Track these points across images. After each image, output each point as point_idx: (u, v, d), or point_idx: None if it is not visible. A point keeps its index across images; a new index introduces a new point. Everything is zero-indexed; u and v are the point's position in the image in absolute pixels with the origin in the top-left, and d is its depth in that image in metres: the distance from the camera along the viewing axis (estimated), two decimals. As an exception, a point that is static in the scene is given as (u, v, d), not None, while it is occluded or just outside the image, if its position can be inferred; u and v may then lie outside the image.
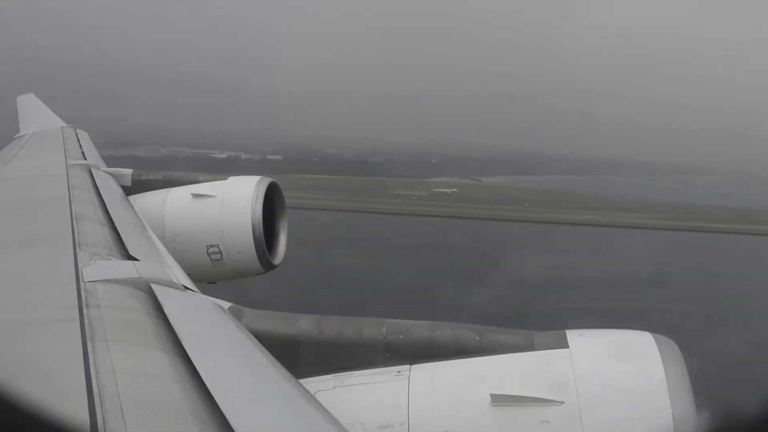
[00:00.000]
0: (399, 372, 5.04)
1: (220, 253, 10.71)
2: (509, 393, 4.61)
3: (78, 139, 16.58)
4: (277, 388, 3.66)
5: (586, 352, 4.85)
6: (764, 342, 51.53)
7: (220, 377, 3.40)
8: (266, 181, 11.31)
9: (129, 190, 11.56)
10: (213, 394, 3.08)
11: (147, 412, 2.96)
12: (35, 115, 22.16)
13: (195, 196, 11.06)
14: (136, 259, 5.67)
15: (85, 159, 12.89)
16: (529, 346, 5.02)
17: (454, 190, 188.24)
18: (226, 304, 5.40)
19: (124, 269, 5.10)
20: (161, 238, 8.67)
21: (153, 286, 4.74)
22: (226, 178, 11.56)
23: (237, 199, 10.92)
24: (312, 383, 4.93)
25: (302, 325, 5.39)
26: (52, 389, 2.93)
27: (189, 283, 5.55)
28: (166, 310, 4.22)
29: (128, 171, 12.29)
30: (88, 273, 4.84)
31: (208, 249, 10.69)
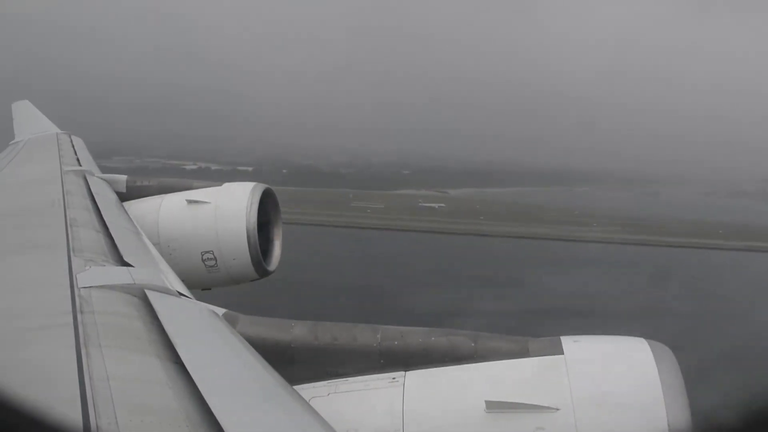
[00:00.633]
0: (394, 378, 5.03)
1: (215, 259, 10.69)
2: (504, 399, 4.61)
3: (73, 146, 16.55)
4: (271, 394, 3.66)
5: (581, 358, 4.86)
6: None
7: (215, 383, 3.39)
8: (261, 188, 11.30)
9: (124, 196, 11.53)
10: (207, 400, 3.08)
11: (141, 417, 2.95)
12: (30, 121, 22.24)
13: (190, 202, 11.04)
14: (130, 265, 5.67)
15: (80, 165, 12.89)
16: (524, 353, 5.01)
17: (442, 205, 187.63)
18: (221, 311, 5.37)
19: (119, 275, 5.09)
20: (156, 245, 8.64)
21: (147, 292, 4.74)
22: (221, 185, 11.54)
23: (232, 205, 10.90)
24: (306, 389, 4.93)
25: (297, 331, 5.37)
26: (47, 394, 2.92)
27: (183, 290, 5.53)
28: (161, 317, 4.22)
29: (123, 177, 12.30)
30: (83, 279, 4.84)
31: (202, 255, 10.66)
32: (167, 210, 11.10)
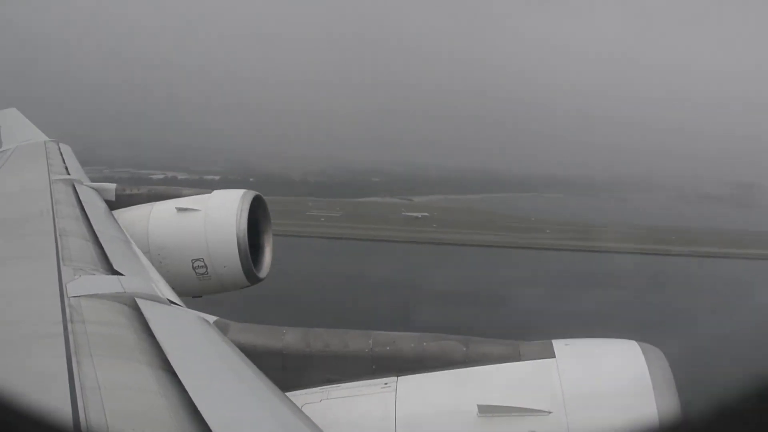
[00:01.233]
0: (386, 384, 5.03)
1: (206, 266, 10.65)
2: (496, 403, 4.62)
3: (61, 154, 16.49)
4: (263, 401, 3.66)
5: (572, 361, 4.88)
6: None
7: (206, 391, 3.39)
8: (251, 195, 11.28)
9: (113, 205, 11.50)
10: (199, 408, 3.07)
11: (132, 427, 2.94)
12: (18, 129, 22.14)
13: (179, 210, 11.00)
14: (120, 274, 5.65)
15: (69, 174, 12.84)
16: (515, 357, 5.03)
17: (425, 214, 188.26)
18: (212, 318, 5.36)
19: (109, 284, 5.07)
20: (146, 253, 8.59)
21: (138, 300, 4.72)
22: (210, 192, 11.53)
23: (222, 212, 10.88)
24: (299, 396, 4.92)
25: (288, 338, 5.36)
26: (37, 404, 2.83)
27: (174, 298, 5.51)
28: (151, 325, 4.20)
29: (112, 186, 12.25)
30: (73, 288, 4.81)
31: (193, 263, 10.61)
32: (157, 218, 11.05)
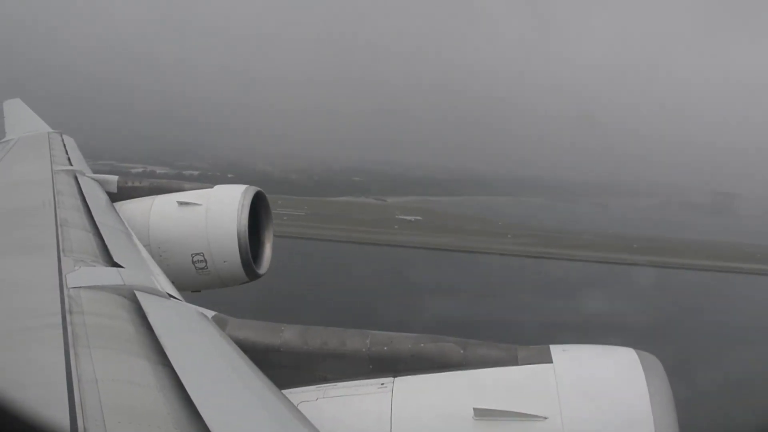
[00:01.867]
0: (382, 384, 5.03)
1: (205, 261, 10.67)
2: (492, 407, 4.61)
3: (64, 145, 16.44)
4: (260, 398, 3.66)
5: (569, 367, 4.87)
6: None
7: (204, 386, 3.39)
8: (252, 190, 11.30)
9: (115, 197, 11.51)
10: (196, 403, 3.08)
11: (129, 420, 2.93)
12: (21, 120, 22.16)
13: (181, 203, 11.03)
14: (120, 266, 5.63)
15: (71, 165, 12.82)
16: (512, 361, 5.02)
17: (418, 218, 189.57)
18: (210, 313, 5.37)
19: (109, 276, 5.07)
20: (146, 246, 8.62)
21: (137, 293, 4.72)
22: (212, 187, 11.55)
23: (223, 207, 10.90)
24: (295, 394, 4.92)
25: (286, 335, 5.36)
26: (34, 396, 2.91)
27: (173, 291, 5.50)
28: (150, 318, 4.20)
29: (114, 178, 12.26)
30: (72, 279, 4.81)
31: (193, 257, 10.63)
32: (158, 211, 11.08)
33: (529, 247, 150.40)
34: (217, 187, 11.53)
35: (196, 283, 10.80)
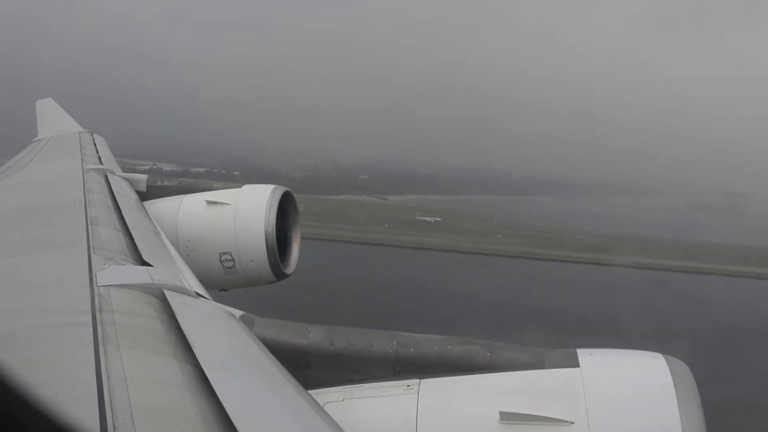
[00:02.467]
0: (408, 386, 5.03)
1: (233, 260, 10.74)
2: (518, 411, 4.60)
3: (95, 144, 16.68)
4: (286, 398, 3.68)
5: (597, 372, 4.84)
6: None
7: (231, 386, 3.41)
8: (280, 190, 11.38)
9: (144, 196, 11.64)
10: (223, 403, 3.10)
11: (158, 419, 2.95)
12: (53, 119, 22.42)
13: (209, 203, 11.12)
14: (149, 265, 5.68)
15: (102, 164, 12.98)
16: (539, 364, 5.00)
17: (438, 219, 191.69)
18: (238, 312, 5.39)
19: (138, 275, 5.11)
20: (175, 245, 8.69)
21: (166, 292, 4.76)
22: (240, 186, 11.60)
23: (251, 207, 10.96)
24: (321, 395, 4.94)
25: (313, 335, 5.38)
26: (63, 393, 2.93)
27: (201, 290, 5.54)
28: (179, 317, 4.24)
29: (143, 177, 12.39)
30: (102, 277, 4.85)
31: (221, 256, 10.72)
32: (187, 210, 11.20)
33: (512, 247, 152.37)
34: (245, 186, 11.59)
35: (223, 282, 10.88)
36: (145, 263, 5.79)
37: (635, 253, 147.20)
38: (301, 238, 11.85)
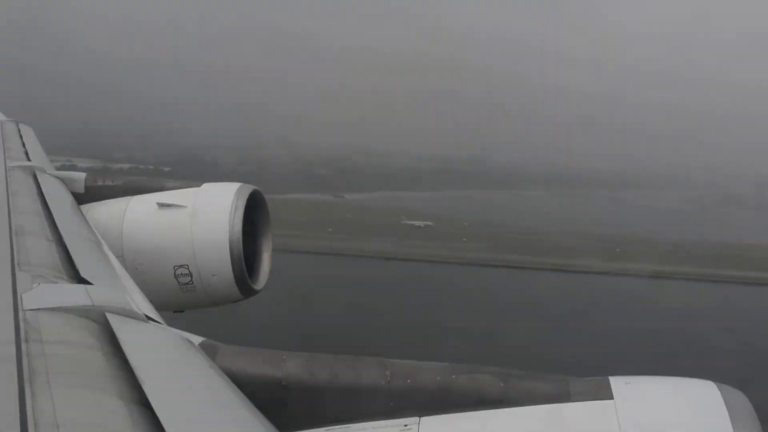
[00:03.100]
0: (406, 426, 4.90)
1: (191, 275, 10.51)
2: None
3: (21, 137, 16.41)
4: None
5: (634, 404, 4.71)
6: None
7: (190, 431, 3.33)
8: (248, 189, 11.14)
9: (82, 198, 11.40)
10: None
11: None
12: None
13: (161, 206, 10.85)
14: (88, 283, 5.57)
15: (29, 160, 12.76)
16: (564, 396, 4.87)
17: (429, 223, 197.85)
18: (197, 339, 5.29)
19: (74, 295, 5.01)
20: (119, 257, 8.59)
21: (108, 316, 4.65)
22: (199, 185, 11.37)
23: (212, 210, 10.74)
24: None
25: (289, 365, 5.25)
26: None
27: (153, 313, 5.47)
28: (125, 346, 4.12)
29: (81, 175, 12.13)
30: (29, 299, 4.73)
31: (175, 270, 10.49)
32: (134, 215, 10.93)
33: (476, 253, 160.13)
34: (204, 185, 11.37)
35: (179, 301, 10.67)
36: (83, 281, 5.66)
37: (650, 259, 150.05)
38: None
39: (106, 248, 7.90)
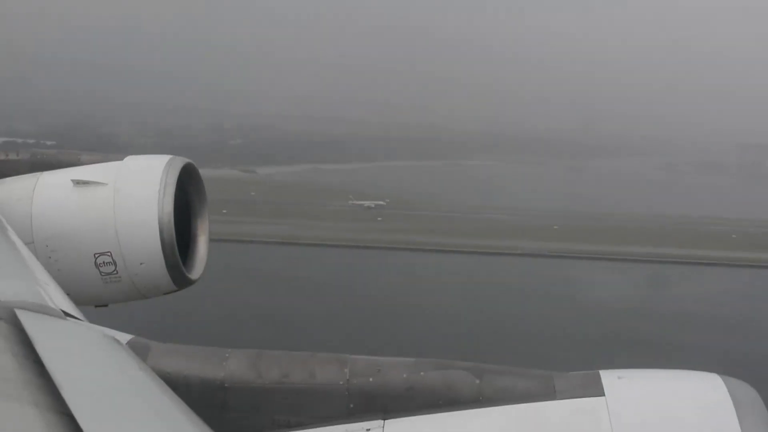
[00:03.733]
0: (368, 430, 4.97)
1: (114, 263, 10.29)
2: None
3: None
4: None
5: (628, 401, 4.80)
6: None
7: None
8: (179, 163, 10.96)
9: None
10: None
11: None
12: None
13: (77, 183, 10.57)
14: None
15: None
16: (548, 394, 4.95)
17: (381, 203, 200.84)
18: (125, 337, 5.30)
19: None
20: (28, 244, 8.52)
21: (18, 312, 4.61)
22: (121, 159, 11.13)
23: (138, 187, 10.52)
24: None
25: (233, 364, 5.31)
26: None
27: (71, 308, 5.41)
28: (38, 347, 4.10)
29: None
30: None
31: (96, 258, 10.25)
32: (45, 194, 10.65)
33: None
34: (128, 158, 11.17)
35: (102, 294, 10.47)
36: None
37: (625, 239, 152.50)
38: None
39: (11, 234, 7.84)
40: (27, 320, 4.48)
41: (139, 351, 5.14)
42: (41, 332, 4.37)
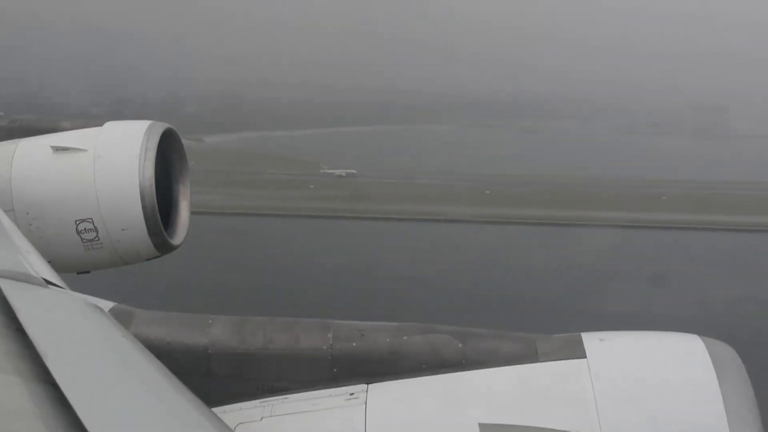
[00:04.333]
0: (352, 394, 5.00)
1: (96, 230, 10.23)
2: (504, 421, 4.60)
3: None
4: (183, 421, 3.60)
5: (610, 363, 4.85)
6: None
7: (101, 409, 3.30)
8: (160, 128, 10.88)
9: None
10: None
11: None
12: None
13: (57, 149, 10.50)
14: None
15: None
16: (531, 356, 5.00)
17: (352, 171, 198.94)
18: (108, 304, 5.30)
19: None
20: (9, 211, 8.56)
21: None
22: (101, 125, 11.04)
23: (118, 152, 10.46)
24: (231, 413, 4.92)
25: (216, 330, 5.32)
26: None
27: (51, 276, 5.34)
28: (20, 316, 4.06)
29: None
30: None
31: (77, 225, 10.19)
32: (24, 161, 10.60)
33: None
34: (107, 124, 11.09)
35: (84, 261, 10.46)
36: None
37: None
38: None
39: None
40: (8, 288, 4.45)
41: (122, 318, 5.15)
42: (22, 300, 4.34)
